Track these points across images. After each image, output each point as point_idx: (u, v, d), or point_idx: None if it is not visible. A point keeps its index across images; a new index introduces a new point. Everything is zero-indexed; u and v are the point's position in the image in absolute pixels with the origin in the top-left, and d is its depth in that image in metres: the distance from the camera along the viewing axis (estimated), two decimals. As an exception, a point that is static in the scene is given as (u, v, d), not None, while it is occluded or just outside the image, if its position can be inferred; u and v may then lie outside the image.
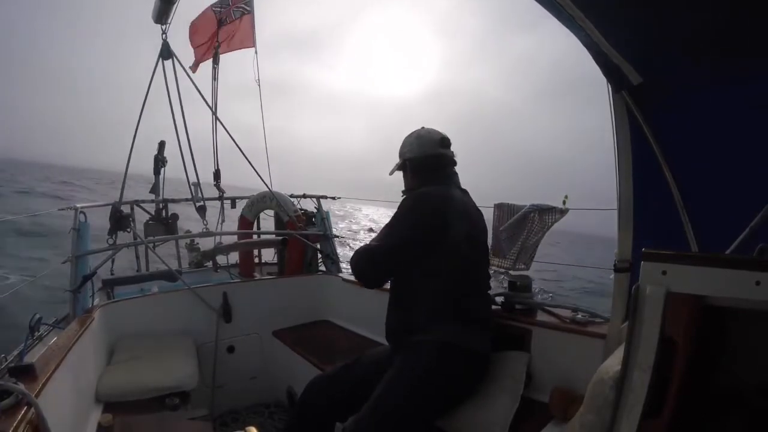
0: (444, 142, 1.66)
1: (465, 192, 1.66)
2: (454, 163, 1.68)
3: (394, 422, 1.36)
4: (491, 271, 1.78)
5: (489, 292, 1.67)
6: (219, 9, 3.75)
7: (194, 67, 3.67)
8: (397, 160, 1.75)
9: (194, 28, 3.74)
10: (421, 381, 1.41)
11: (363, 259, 1.58)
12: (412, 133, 1.71)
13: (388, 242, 1.52)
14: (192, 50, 3.75)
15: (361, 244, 1.67)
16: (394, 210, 1.59)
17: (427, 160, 1.64)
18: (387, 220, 1.61)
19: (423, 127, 1.72)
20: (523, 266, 1.89)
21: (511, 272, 1.90)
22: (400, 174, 1.76)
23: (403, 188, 1.75)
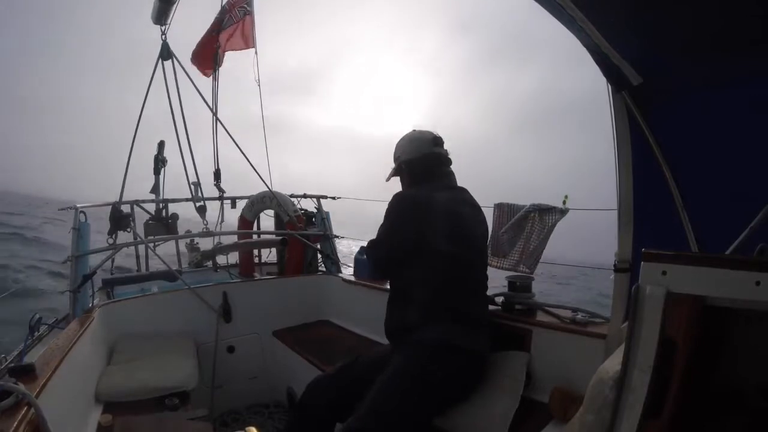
0: (437, 140, 1.69)
1: (462, 190, 1.67)
2: (450, 162, 1.70)
3: (392, 421, 1.36)
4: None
5: (487, 292, 1.67)
6: (219, 17, 3.73)
7: (205, 71, 3.64)
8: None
9: (198, 49, 3.71)
10: (418, 381, 1.41)
11: (371, 248, 1.68)
12: (405, 136, 1.72)
13: (381, 235, 1.62)
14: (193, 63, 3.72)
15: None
16: None
17: (422, 161, 1.66)
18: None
19: (414, 129, 1.73)
20: (527, 270, 1.89)
21: (514, 273, 1.90)
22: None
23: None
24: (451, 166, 1.72)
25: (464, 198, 1.66)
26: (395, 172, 1.75)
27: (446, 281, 1.50)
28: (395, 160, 1.74)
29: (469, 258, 1.58)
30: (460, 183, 1.71)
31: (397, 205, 1.58)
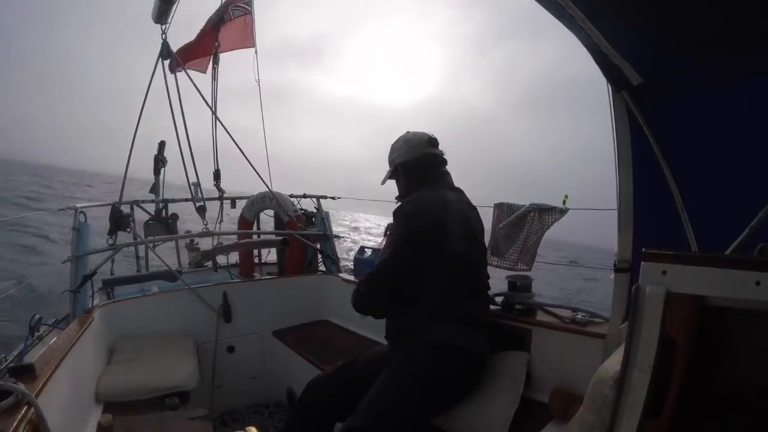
0: (432, 141, 1.67)
1: (459, 191, 1.67)
2: (445, 162, 1.69)
3: (392, 421, 1.36)
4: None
5: (489, 292, 1.67)
6: (216, 15, 3.73)
7: (203, 66, 3.65)
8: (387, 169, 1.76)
9: (193, 45, 3.71)
10: (418, 381, 1.41)
11: (365, 288, 1.61)
12: (399, 138, 1.71)
13: (389, 264, 1.54)
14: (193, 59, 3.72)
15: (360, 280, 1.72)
16: (388, 215, 1.61)
17: (418, 162, 1.64)
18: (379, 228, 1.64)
19: (408, 131, 1.72)
20: (524, 267, 1.89)
21: (512, 272, 1.90)
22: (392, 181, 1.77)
23: (397, 194, 1.77)
24: (448, 166, 1.72)
25: (465, 199, 1.66)
26: (391, 175, 1.74)
27: (455, 282, 1.49)
28: (390, 162, 1.72)
29: (476, 258, 1.59)
30: (467, 159, 1.71)
31: (412, 214, 1.52)
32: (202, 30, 3.69)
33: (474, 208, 1.68)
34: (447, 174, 1.69)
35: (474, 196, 1.71)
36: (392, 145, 1.73)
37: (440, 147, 1.71)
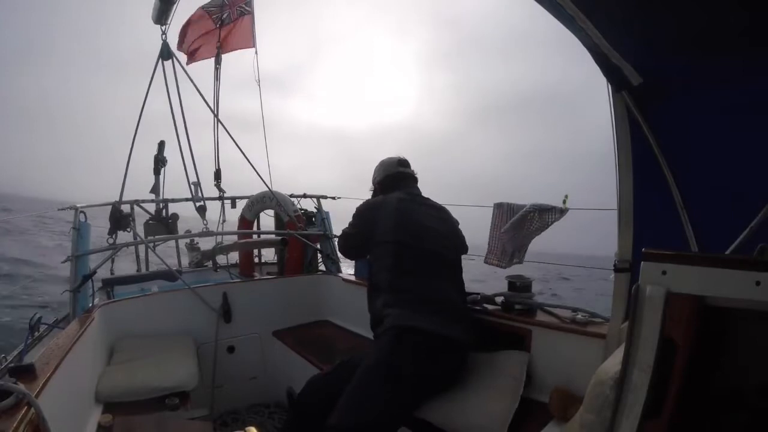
0: (401, 162, 2.02)
1: (422, 197, 1.91)
2: (413, 177, 2.00)
3: (363, 411, 1.39)
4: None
5: (461, 279, 1.77)
6: (213, 8, 3.75)
7: (189, 59, 3.70)
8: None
9: (185, 29, 3.74)
10: (382, 366, 1.46)
11: (341, 239, 2.05)
12: (378, 163, 2.08)
13: (347, 230, 1.97)
14: (184, 49, 3.75)
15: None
16: None
17: (390, 179, 1.99)
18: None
19: (385, 158, 2.08)
20: (516, 261, 1.92)
21: (512, 272, 1.91)
22: None
23: None
24: (419, 183, 2.00)
25: (423, 201, 1.88)
26: (374, 193, 2.07)
27: (399, 268, 1.63)
28: (373, 182, 2.08)
29: (422, 247, 1.68)
30: (440, 174, 1.83)
31: (360, 209, 1.93)
32: (193, 19, 3.71)
33: (438, 209, 1.89)
34: (411, 185, 1.96)
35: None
36: (374, 170, 2.08)
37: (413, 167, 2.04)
